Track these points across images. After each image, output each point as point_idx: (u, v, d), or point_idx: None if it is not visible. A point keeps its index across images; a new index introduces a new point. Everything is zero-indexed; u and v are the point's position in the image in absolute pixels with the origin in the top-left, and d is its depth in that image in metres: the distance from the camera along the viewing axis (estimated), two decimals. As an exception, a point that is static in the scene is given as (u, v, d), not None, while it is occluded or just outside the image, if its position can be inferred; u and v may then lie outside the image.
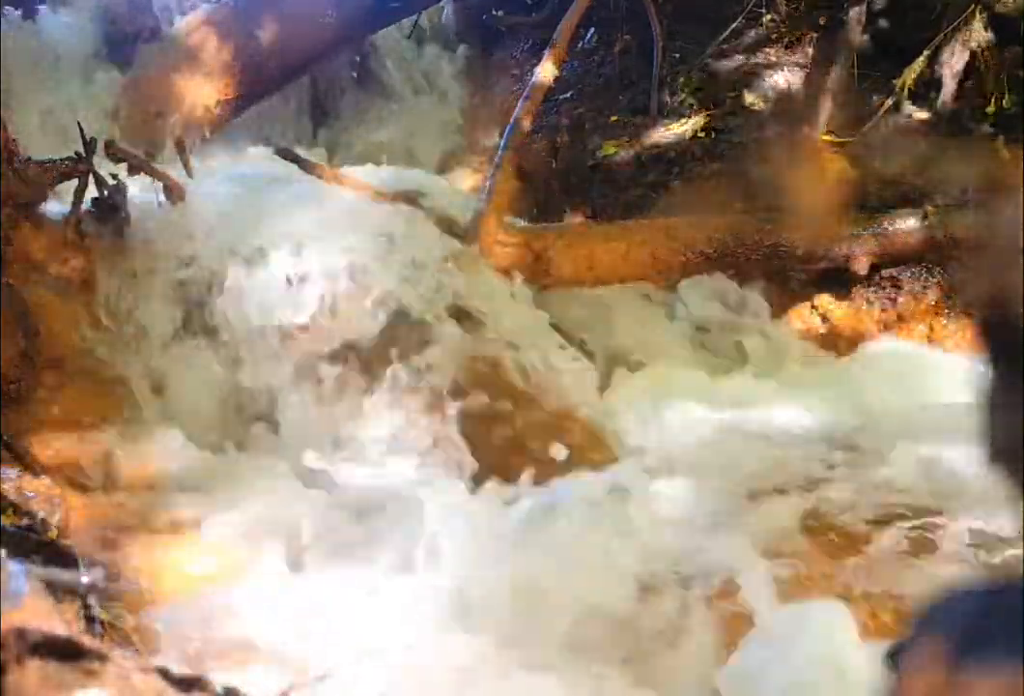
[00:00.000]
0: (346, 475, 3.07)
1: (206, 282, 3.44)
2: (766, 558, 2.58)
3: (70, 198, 3.41)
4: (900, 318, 4.03)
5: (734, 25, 4.72)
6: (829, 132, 4.34)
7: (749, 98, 4.58)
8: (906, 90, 4.30)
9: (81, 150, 3.41)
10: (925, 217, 3.92)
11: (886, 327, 4.04)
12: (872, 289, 4.08)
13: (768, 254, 3.94)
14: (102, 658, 0.88)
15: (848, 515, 2.94)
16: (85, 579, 1.27)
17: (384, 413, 3.29)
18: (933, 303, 4.00)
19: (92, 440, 3.05)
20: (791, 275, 4.10)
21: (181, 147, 3.75)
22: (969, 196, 3.98)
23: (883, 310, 4.06)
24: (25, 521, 2.11)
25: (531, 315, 3.71)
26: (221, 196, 3.63)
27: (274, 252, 3.42)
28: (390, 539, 2.67)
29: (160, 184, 3.52)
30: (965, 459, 2.91)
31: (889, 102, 4.32)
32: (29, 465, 2.68)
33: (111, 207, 3.42)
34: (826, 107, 4.36)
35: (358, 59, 5.53)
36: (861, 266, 3.96)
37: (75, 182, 3.40)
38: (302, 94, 5.43)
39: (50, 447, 2.93)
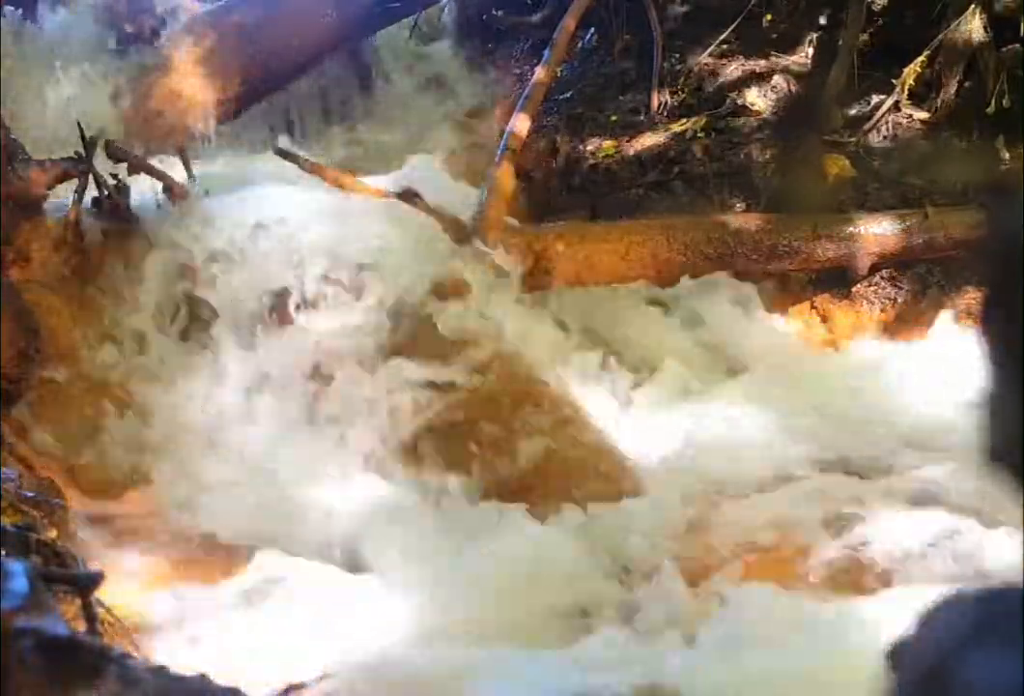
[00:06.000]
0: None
1: (205, 284, 3.44)
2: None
3: (70, 198, 3.41)
4: (900, 318, 4.03)
5: (734, 25, 4.72)
6: (829, 132, 4.34)
7: (749, 98, 4.57)
8: (906, 90, 4.29)
9: (81, 150, 3.41)
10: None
11: (886, 327, 4.04)
12: (872, 289, 4.08)
13: (768, 254, 3.94)
14: (103, 658, 0.88)
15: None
16: (85, 579, 1.27)
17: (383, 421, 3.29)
18: (933, 302, 3.99)
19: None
20: (791, 275, 4.10)
21: (181, 148, 3.75)
22: (969, 196, 3.98)
23: (883, 310, 4.06)
24: (25, 521, 2.11)
25: (532, 315, 3.71)
26: (220, 196, 3.62)
27: (274, 253, 3.42)
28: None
29: (161, 184, 3.52)
30: (962, 459, 2.91)
31: (889, 102, 4.32)
32: (29, 465, 2.68)
33: (112, 207, 3.42)
34: (826, 107, 4.35)
35: (359, 59, 5.52)
36: (861, 266, 3.96)
37: (75, 182, 3.40)
38: (302, 94, 5.42)
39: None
